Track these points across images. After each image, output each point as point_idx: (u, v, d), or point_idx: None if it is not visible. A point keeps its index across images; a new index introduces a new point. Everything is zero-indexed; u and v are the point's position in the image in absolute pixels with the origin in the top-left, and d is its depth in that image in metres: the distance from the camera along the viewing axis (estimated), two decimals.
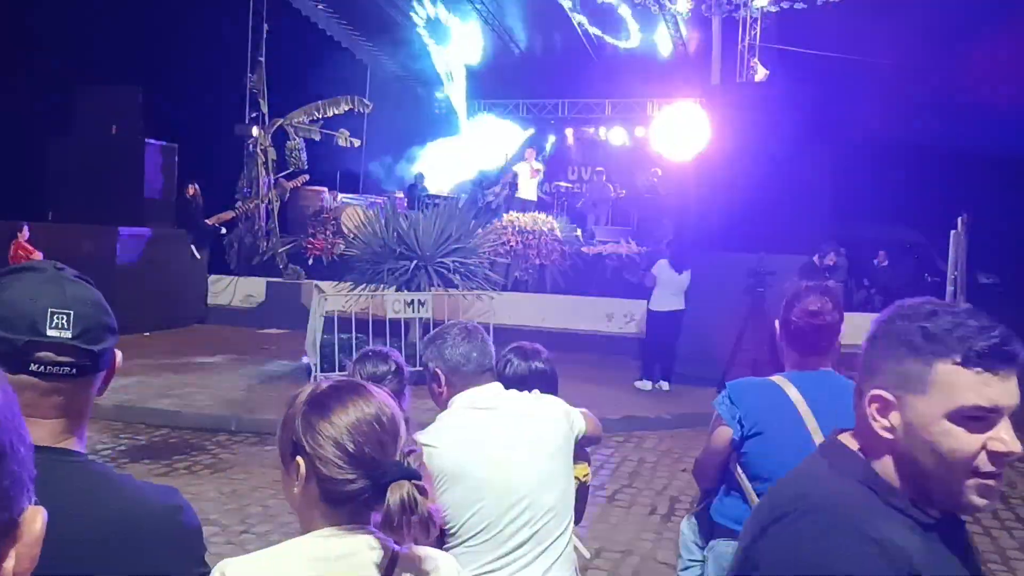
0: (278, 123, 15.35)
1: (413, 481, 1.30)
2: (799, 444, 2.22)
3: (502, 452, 2.24)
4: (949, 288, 11.13)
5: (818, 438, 2.24)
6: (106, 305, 1.28)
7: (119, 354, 1.32)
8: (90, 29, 20.52)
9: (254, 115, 16.00)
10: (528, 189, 16.57)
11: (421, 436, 2.24)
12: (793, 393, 2.32)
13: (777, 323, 2.48)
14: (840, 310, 2.43)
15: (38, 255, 12.19)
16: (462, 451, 2.23)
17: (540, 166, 17.34)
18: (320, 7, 18.06)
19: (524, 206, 15.75)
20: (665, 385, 9.86)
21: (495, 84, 21.13)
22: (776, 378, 2.41)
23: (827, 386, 2.35)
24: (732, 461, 2.41)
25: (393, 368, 2.50)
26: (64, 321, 1.20)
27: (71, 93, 13.78)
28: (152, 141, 13.51)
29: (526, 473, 2.25)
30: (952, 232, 11.25)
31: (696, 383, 9.31)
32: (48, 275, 1.25)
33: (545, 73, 20.23)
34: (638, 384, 9.92)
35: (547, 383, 2.70)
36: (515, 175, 16.87)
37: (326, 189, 16.83)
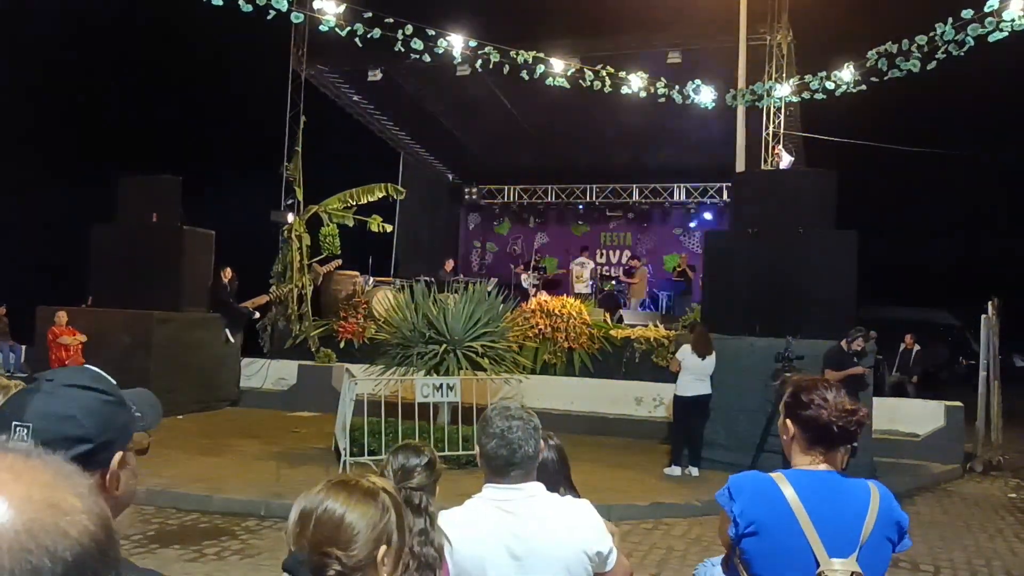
0: (313, 210, 15.71)
1: None
2: (796, 547, 2.19)
3: (511, 562, 2.30)
4: (982, 373, 10.99)
5: (815, 544, 2.17)
6: (76, 415, 1.33)
7: (116, 457, 1.38)
8: (133, 121, 21.40)
9: (290, 202, 16.47)
10: (582, 284, 17.88)
11: (447, 521, 2.33)
12: (789, 492, 2.23)
13: (789, 422, 2.36)
14: None
15: (78, 337, 12.51)
16: (478, 551, 2.31)
17: (591, 263, 18.85)
18: (356, 97, 18.72)
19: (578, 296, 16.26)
20: (694, 471, 9.74)
21: (525, 169, 21.61)
22: (775, 475, 2.30)
23: (828, 487, 2.27)
24: (733, 555, 2.34)
25: (424, 461, 2.54)
26: (24, 434, 1.30)
27: (115, 183, 14.23)
28: (190, 228, 13.83)
29: None
30: (983, 316, 11.17)
31: (725, 469, 9.22)
32: (31, 388, 1.38)
33: (575, 162, 20.69)
34: (667, 471, 9.82)
35: (547, 472, 2.71)
36: (569, 272, 18.28)
37: (358, 273, 17.10)
